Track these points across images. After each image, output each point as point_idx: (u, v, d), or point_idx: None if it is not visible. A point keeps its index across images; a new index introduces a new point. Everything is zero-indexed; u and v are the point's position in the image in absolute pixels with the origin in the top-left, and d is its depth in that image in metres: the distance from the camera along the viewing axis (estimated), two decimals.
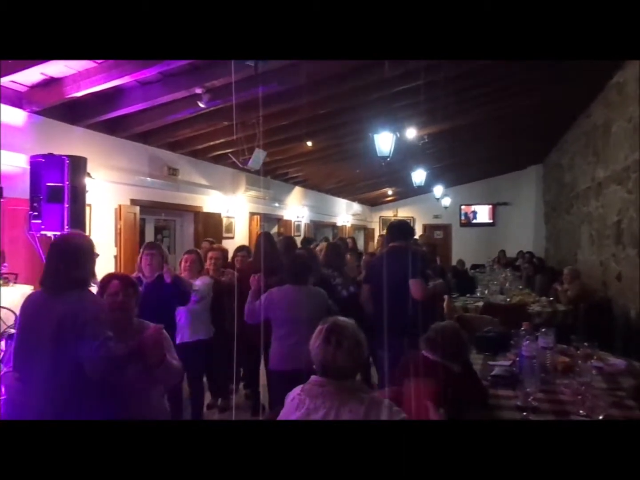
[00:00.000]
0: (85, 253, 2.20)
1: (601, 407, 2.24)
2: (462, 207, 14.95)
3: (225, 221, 7.90)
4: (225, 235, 7.79)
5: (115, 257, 5.52)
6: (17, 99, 4.28)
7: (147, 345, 2.00)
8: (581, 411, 2.32)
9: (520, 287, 7.52)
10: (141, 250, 3.74)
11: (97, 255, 2.33)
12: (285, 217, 10.34)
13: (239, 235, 8.29)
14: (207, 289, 4.06)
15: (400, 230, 3.93)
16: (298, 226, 10.88)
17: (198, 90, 4.56)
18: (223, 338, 4.27)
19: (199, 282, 3.99)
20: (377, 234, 14.92)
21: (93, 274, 2.24)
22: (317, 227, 12.57)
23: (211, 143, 6.61)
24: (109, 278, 2.34)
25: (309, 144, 7.45)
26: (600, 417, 2.20)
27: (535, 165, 13.37)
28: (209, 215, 7.48)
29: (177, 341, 3.86)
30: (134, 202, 5.91)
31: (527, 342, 2.82)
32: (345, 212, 13.79)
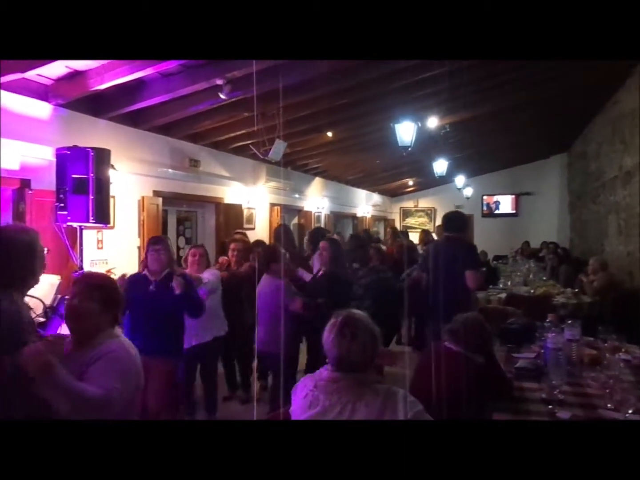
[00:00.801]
0: (15, 250, 1.86)
1: (630, 401, 2.19)
2: (485, 197, 14.71)
3: (246, 212, 7.93)
4: (246, 226, 7.83)
5: (139, 248, 5.59)
6: (43, 92, 4.34)
7: (27, 360, 1.65)
8: (609, 405, 2.28)
9: (544, 278, 7.41)
10: (146, 245, 3.46)
11: (43, 251, 2.04)
12: (306, 208, 10.33)
13: (260, 226, 8.32)
14: (216, 282, 3.92)
15: (454, 221, 4.08)
16: (318, 217, 10.87)
17: (219, 82, 4.55)
18: (242, 330, 4.27)
19: (207, 275, 3.85)
20: (397, 224, 14.84)
21: (31, 274, 1.92)
22: (338, 218, 12.53)
23: (232, 134, 6.61)
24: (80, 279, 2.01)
25: (329, 134, 7.41)
26: (630, 411, 2.16)
27: (559, 154, 13.07)
28: (230, 206, 7.52)
29: (187, 345, 3.56)
30: (156, 193, 5.97)
31: (553, 334, 2.79)
32: (365, 203, 13.71)
